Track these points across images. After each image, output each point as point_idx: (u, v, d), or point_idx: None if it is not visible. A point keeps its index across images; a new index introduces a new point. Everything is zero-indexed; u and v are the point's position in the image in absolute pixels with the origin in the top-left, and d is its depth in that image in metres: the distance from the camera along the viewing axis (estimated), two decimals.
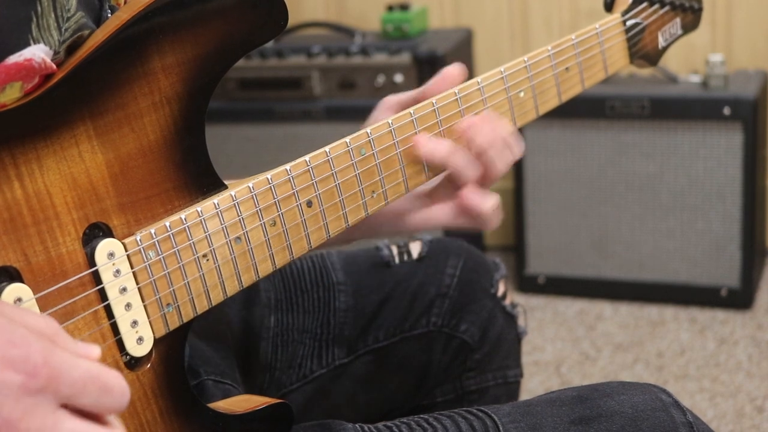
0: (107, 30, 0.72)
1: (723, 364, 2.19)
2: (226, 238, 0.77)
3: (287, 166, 0.81)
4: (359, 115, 2.44)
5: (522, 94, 0.96)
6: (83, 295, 0.70)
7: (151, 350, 0.74)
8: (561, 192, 2.46)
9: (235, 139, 2.51)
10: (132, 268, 0.72)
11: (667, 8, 1.12)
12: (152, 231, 0.73)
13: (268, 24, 0.78)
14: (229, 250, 0.77)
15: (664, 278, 2.43)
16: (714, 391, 2.09)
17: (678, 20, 1.15)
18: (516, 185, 2.50)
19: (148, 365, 0.74)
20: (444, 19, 2.73)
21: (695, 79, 2.39)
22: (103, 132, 0.72)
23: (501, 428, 0.84)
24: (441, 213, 0.95)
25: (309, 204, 0.82)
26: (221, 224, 0.77)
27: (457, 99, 0.92)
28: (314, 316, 1.14)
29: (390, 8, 2.51)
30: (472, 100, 0.93)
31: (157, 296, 0.74)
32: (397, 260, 1.18)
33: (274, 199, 0.80)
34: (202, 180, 0.77)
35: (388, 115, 0.90)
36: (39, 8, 0.72)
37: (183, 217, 0.75)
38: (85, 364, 0.59)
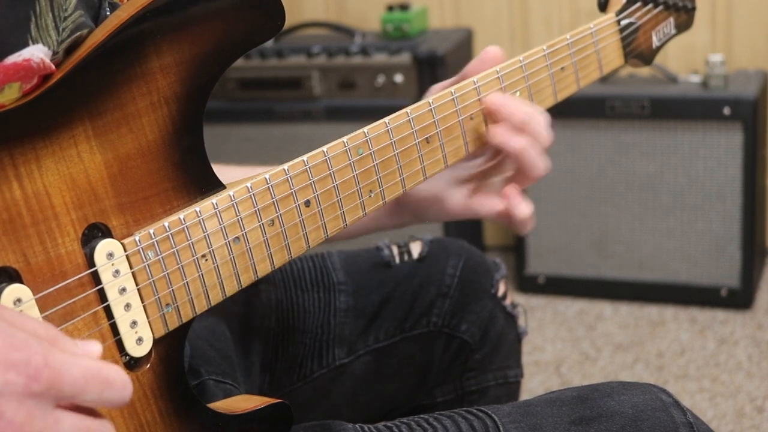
0: (106, 30, 0.72)
1: (723, 364, 2.19)
2: (224, 239, 0.77)
3: (285, 166, 0.81)
4: (359, 115, 2.44)
5: (518, 93, 0.97)
6: (83, 295, 0.70)
7: (151, 350, 0.74)
8: (561, 192, 2.46)
9: (235, 139, 2.51)
10: (131, 268, 0.72)
11: (660, 8, 1.13)
12: (151, 231, 0.73)
13: (265, 24, 0.78)
14: (227, 250, 0.77)
15: (664, 278, 2.43)
16: (714, 391, 2.09)
17: (671, 20, 1.15)
18: None
19: (148, 365, 0.74)
20: (444, 19, 2.73)
21: (695, 79, 2.39)
22: (101, 132, 0.72)
23: (501, 428, 0.84)
24: (480, 206, 0.98)
25: (307, 204, 0.82)
26: (220, 224, 0.77)
27: (453, 99, 0.92)
28: (314, 316, 1.14)
29: (390, 8, 2.50)
30: (469, 99, 0.93)
31: (157, 296, 0.74)
32: (397, 260, 1.18)
33: (273, 199, 0.79)
34: (201, 180, 0.77)
35: None
36: (38, 8, 0.72)
37: (182, 217, 0.75)
38: (84, 362, 0.59)
